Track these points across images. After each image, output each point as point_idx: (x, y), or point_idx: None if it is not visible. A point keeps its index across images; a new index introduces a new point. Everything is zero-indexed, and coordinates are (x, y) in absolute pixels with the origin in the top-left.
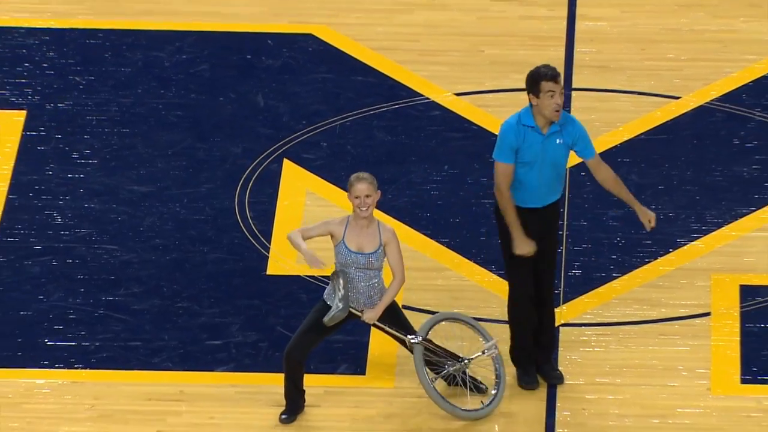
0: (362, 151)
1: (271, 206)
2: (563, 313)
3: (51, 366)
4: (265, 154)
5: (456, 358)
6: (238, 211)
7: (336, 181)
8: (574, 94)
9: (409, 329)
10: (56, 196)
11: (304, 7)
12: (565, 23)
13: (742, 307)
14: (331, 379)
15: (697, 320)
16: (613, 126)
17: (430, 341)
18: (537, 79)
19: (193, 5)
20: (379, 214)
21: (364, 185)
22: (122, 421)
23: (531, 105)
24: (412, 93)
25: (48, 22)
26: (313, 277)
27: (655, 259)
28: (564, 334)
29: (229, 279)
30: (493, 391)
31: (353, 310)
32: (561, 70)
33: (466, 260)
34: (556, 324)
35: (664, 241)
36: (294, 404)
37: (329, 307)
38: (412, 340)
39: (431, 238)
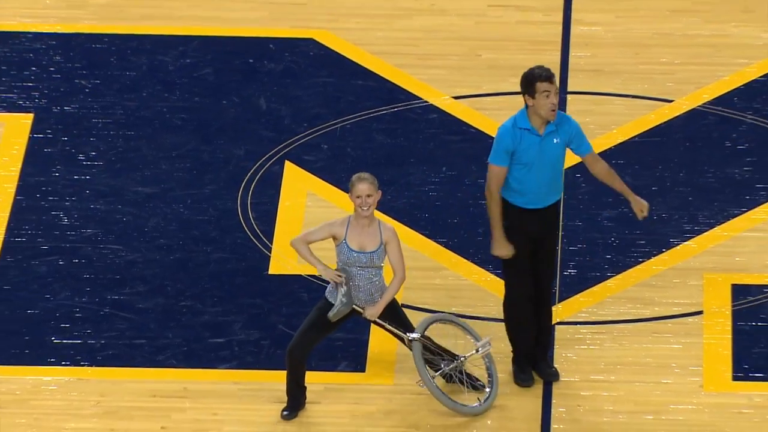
0: (362, 153)
1: (273, 207)
2: (559, 311)
3: (57, 363)
4: (267, 156)
5: (452, 356)
6: (241, 211)
7: (336, 183)
8: (569, 97)
9: (408, 327)
10: (63, 197)
11: (306, 13)
12: (560, 28)
13: (733, 306)
14: (332, 377)
15: (690, 319)
16: (608, 128)
17: (428, 338)
18: (532, 81)
19: (196, 10)
20: (378, 215)
21: (365, 185)
22: (127, 418)
23: (526, 107)
24: (410, 96)
25: (54, 27)
26: (314, 276)
27: (649, 258)
28: (559, 332)
29: (231, 278)
30: (488, 389)
31: (355, 307)
32: (557, 73)
33: (464, 260)
34: (552, 322)
35: (657, 241)
36: (295, 401)
37: (331, 305)
38: (411, 337)
39: (429, 238)
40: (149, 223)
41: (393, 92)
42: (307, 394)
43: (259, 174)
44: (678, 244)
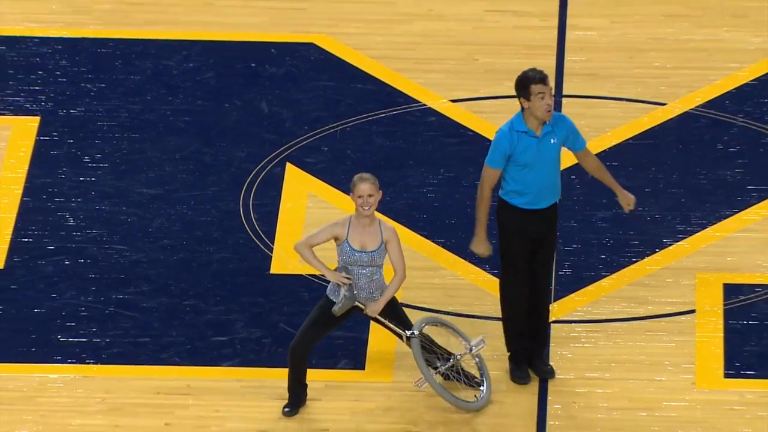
0: (362, 155)
1: (275, 208)
2: (554, 310)
3: (63, 361)
4: (269, 158)
5: (448, 354)
6: (243, 213)
7: (337, 184)
8: (564, 100)
9: (407, 324)
10: (68, 198)
11: (306, 18)
12: (556, 33)
13: (725, 305)
14: (332, 374)
15: (683, 317)
16: (602, 131)
17: (425, 336)
18: (526, 83)
19: (199, 16)
20: (377, 215)
21: (367, 185)
22: (132, 414)
23: (522, 110)
24: (409, 100)
25: (60, 32)
26: (314, 276)
27: (642, 258)
28: (555, 330)
29: (234, 278)
30: (482, 387)
31: (357, 303)
32: (552, 77)
33: (461, 260)
34: (548, 321)
35: (650, 242)
36: (297, 398)
37: (332, 303)
38: (409, 335)
39: (428, 238)
40: (153, 223)
41: (392, 96)
42: (308, 391)
43: (261, 176)
44: (671, 245)
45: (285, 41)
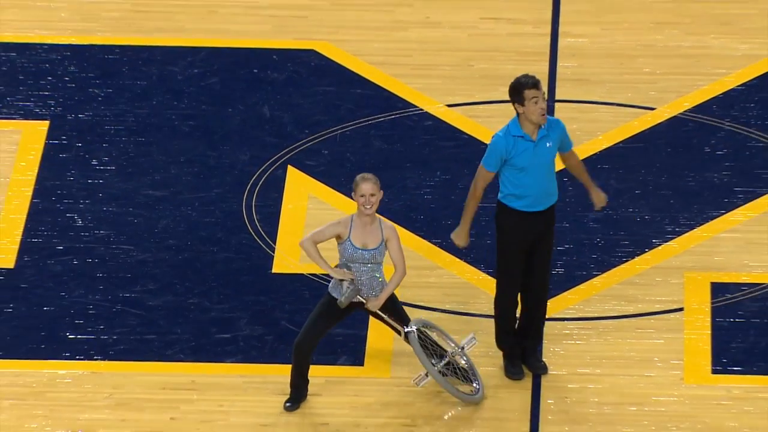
0: (361, 158)
1: (276, 209)
2: (547, 308)
3: (72, 357)
4: (271, 161)
5: (442, 350)
6: (246, 214)
7: (337, 186)
8: (557, 105)
9: (405, 320)
10: (77, 200)
11: (307, 25)
12: (549, 40)
13: (713, 303)
14: (332, 370)
15: (671, 315)
16: (594, 135)
17: (423, 333)
18: (520, 89)
19: (204, 23)
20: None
21: (368, 185)
22: (138, 409)
23: (518, 115)
24: (406, 104)
25: (69, 39)
26: (315, 275)
27: (632, 258)
28: (548, 327)
29: (237, 277)
30: (475, 384)
31: (359, 296)
32: (545, 83)
33: (457, 259)
34: (545, 318)
35: (640, 242)
36: (298, 393)
37: (334, 300)
38: (407, 330)
39: (425, 238)
40: (159, 224)
41: (390, 100)
42: (309, 386)
43: (263, 178)
44: (660, 245)
45: (287, 48)
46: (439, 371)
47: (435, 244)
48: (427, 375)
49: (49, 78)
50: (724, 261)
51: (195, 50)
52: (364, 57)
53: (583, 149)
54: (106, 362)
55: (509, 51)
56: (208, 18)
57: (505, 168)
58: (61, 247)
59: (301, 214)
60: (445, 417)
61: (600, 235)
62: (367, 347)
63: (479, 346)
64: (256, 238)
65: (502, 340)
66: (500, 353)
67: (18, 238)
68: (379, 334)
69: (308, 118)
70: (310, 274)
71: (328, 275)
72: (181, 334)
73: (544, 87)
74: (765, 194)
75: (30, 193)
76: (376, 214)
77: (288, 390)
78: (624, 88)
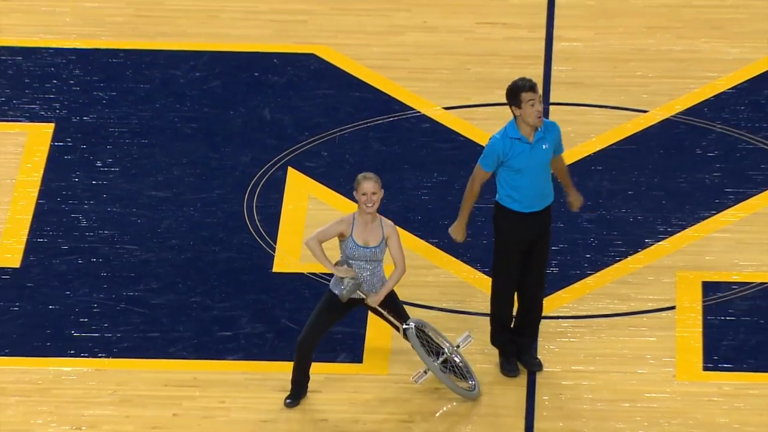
0: (359, 159)
1: (277, 210)
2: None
3: (77, 355)
4: (272, 162)
5: (439, 347)
6: (247, 214)
7: (336, 187)
8: (551, 108)
9: (404, 317)
10: (82, 200)
11: (307, 30)
12: (543, 44)
13: (704, 302)
14: (331, 367)
15: (663, 313)
16: (587, 137)
17: (421, 330)
18: (517, 92)
19: (206, 28)
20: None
21: (370, 183)
22: (141, 405)
23: (515, 117)
24: (404, 107)
25: (74, 43)
26: (314, 274)
27: (625, 257)
28: (543, 325)
29: (238, 276)
30: (471, 381)
31: (359, 291)
32: (540, 86)
33: (454, 259)
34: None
35: (633, 242)
36: (299, 389)
37: (336, 297)
38: (405, 327)
39: (422, 238)
40: (162, 224)
41: (388, 103)
42: (309, 383)
43: (264, 179)
44: (652, 244)
45: (287, 52)
46: (437, 368)
47: (432, 243)
48: (425, 372)
49: (55, 81)
50: (715, 260)
51: (197, 54)
52: (362, 61)
53: (577, 151)
54: (110, 360)
55: (505, 55)
56: (209, 23)
57: (502, 169)
58: (66, 247)
59: (301, 215)
60: (442, 413)
61: (594, 235)
62: (365, 345)
63: (475, 344)
64: (256, 238)
65: (497, 338)
66: (496, 351)
67: (24, 238)
68: (377, 333)
69: (308, 121)
70: (309, 273)
71: (328, 275)
72: (184, 331)
73: (540, 90)
74: (755, 195)
75: (36, 194)
76: (377, 213)
77: (288, 386)
78: (617, 91)
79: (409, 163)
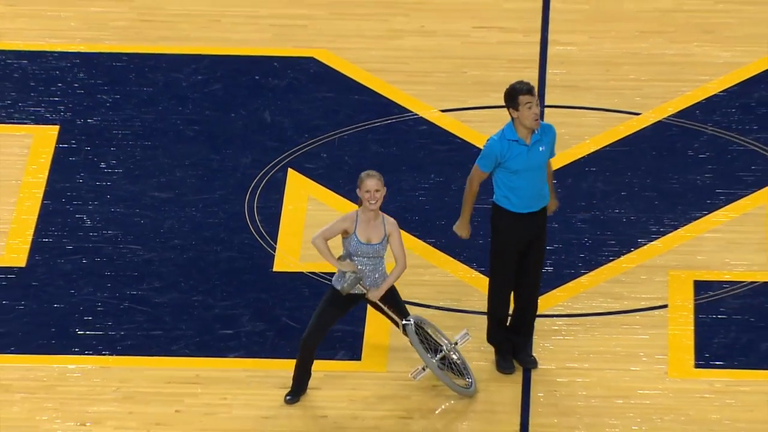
0: (358, 161)
1: (277, 211)
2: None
3: (81, 353)
4: (272, 164)
5: (437, 344)
6: (248, 215)
7: (335, 188)
8: (546, 110)
9: (404, 313)
10: (86, 201)
11: (307, 34)
12: (538, 48)
13: (695, 300)
14: (331, 365)
15: (656, 312)
16: (582, 139)
17: (420, 327)
18: (514, 95)
19: (208, 32)
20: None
21: (373, 181)
22: (144, 402)
23: (512, 120)
24: (402, 110)
25: (78, 47)
26: (314, 273)
27: (618, 257)
28: (538, 323)
29: (239, 275)
30: (468, 379)
31: (361, 286)
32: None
33: (451, 258)
34: (536, 315)
35: (626, 242)
36: (299, 386)
37: (338, 293)
38: (404, 323)
39: (419, 238)
40: (165, 225)
41: (386, 106)
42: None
43: (265, 180)
44: (645, 244)
45: (287, 55)
46: (435, 365)
47: (429, 243)
48: (423, 369)
49: (59, 84)
50: (706, 260)
51: (199, 58)
52: (361, 64)
53: (572, 152)
54: (114, 357)
55: (501, 58)
56: (210, 27)
57: (499, 170)
58: (71, 247)
59: (301, 215)
60: (440, 409)
61: (587, 235)
62: (364, 343)
63: (472, 342)
64: (257, 238)
65: (493, 336)
66: (492, 348)
67: (29, 238)
68: (376, 330)
69: (308, 123)
70: (309, 272)
71: (328, 274)
72: (186, 330)
73: (536, 90)
74: (745, 196)
75: (41, 195)
76: (379, 211)
77: (288, 383)
78: (611, 94)
79: (407, 164)
